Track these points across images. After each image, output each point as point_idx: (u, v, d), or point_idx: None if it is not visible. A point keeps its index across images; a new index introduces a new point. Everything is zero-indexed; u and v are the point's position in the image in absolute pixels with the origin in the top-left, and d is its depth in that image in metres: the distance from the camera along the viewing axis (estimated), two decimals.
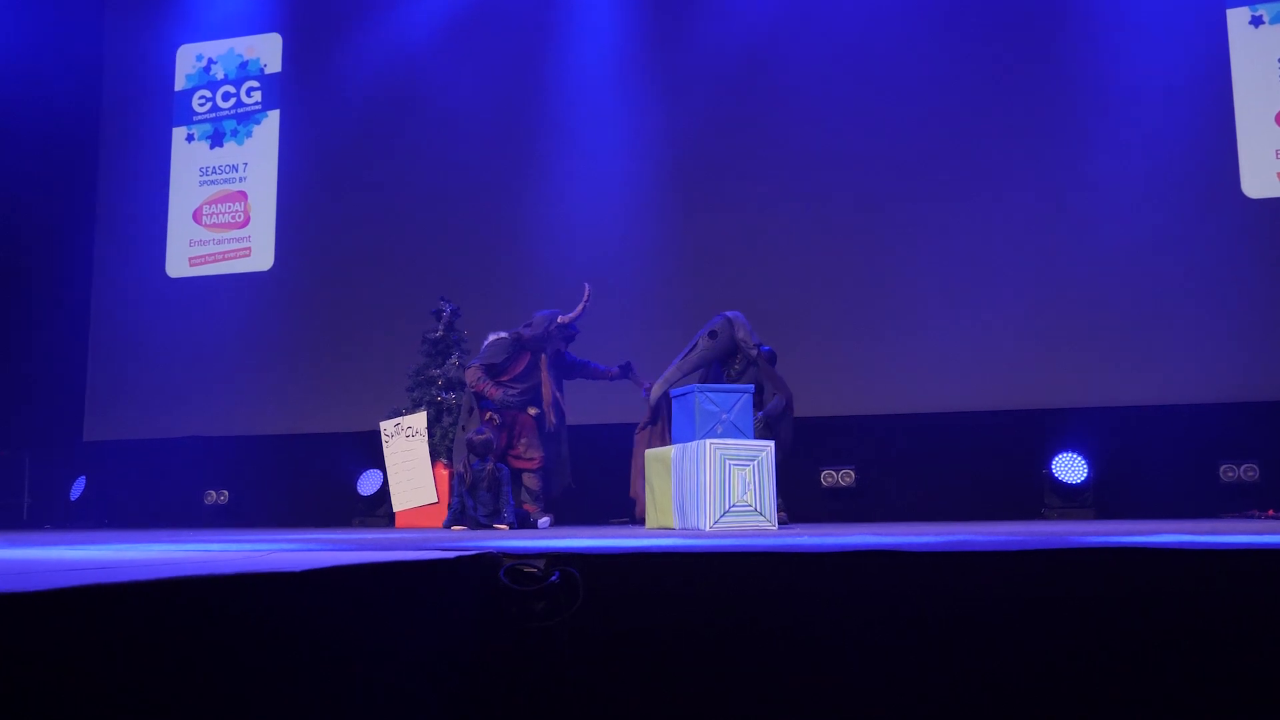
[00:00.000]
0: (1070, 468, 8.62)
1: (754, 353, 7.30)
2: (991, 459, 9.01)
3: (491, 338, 7.79)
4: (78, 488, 10.75)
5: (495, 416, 7.42)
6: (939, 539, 3.16)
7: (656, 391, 7.48)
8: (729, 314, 7.51)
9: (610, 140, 10.28)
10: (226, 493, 10.52)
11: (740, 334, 7.40)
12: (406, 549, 2.63)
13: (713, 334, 7.49)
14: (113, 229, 11.62)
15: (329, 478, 10.18)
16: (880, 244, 9.53)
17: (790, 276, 9.61)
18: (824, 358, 9.40)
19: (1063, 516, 8.40)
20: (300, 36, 11.40)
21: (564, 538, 4.15)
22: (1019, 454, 8.92)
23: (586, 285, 7.86)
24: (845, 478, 9.21)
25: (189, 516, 10.43)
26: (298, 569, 1.98)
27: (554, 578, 2.38)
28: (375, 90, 10.99)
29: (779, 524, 6.29)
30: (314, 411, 10.56)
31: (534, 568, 2.41)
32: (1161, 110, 9.03)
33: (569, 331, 7.85)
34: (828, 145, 9.72)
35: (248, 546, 3.38)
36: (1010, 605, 2.33)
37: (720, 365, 7.56)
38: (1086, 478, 8.56)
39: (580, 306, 7.78)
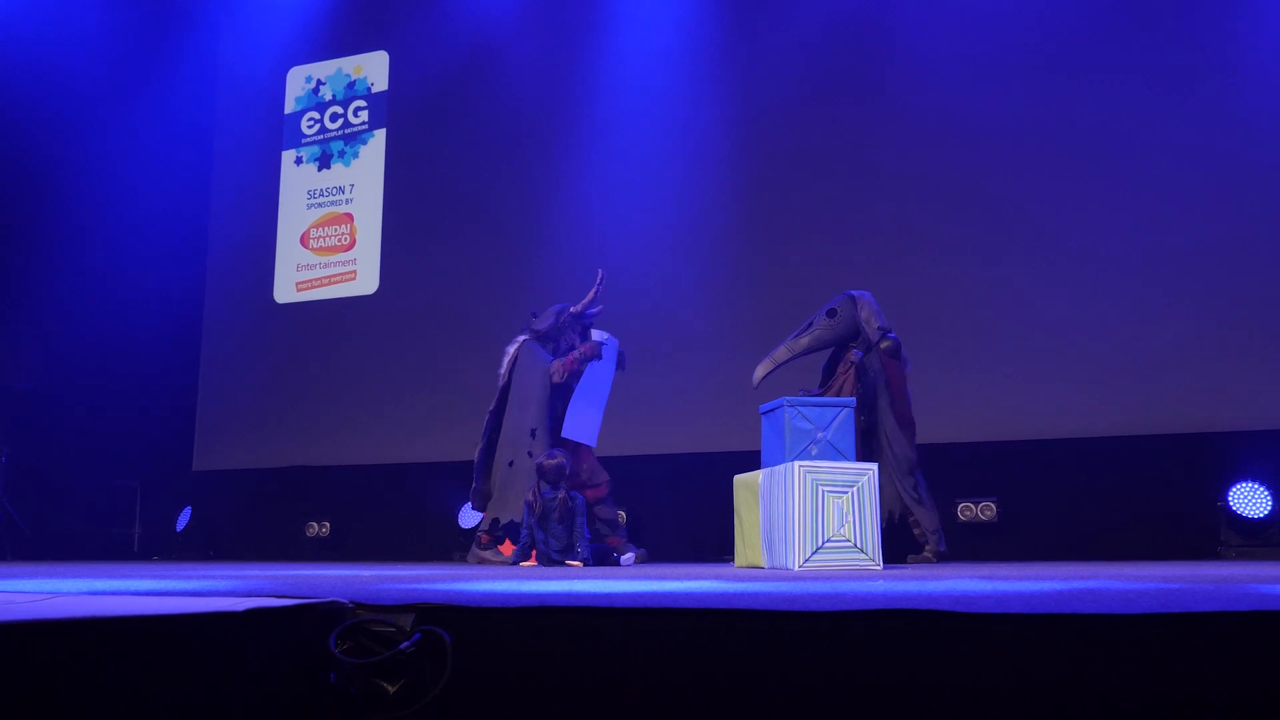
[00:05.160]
0: (1251, 499, 7.40)
1: (875, 338, 6.37)
2: (1158, 489, 7.83)
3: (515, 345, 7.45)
4: (183, 518, 10.51)
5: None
6: (1059, 584, 2.29)
7: (760, 373, 6.65)
8: (854, 292, 6.63)
9: (728, 154, 9.51)
10: (328, 524, 10.09)
11: (864, 314, 6.50)
12: (211, 595, 1.89)
13: (832, 312, 6.61)
14: (223, 256, 11.43)
15: (432, 509, 9.63)
16: (1022, 243, 8.47)
17: (915, 277, 8.59)
18: (958, 373, 8.38)
19: (1243, 556, 7.21)
20: (406, 52, 11.02)
21: (458, 579, 3.36)
22: (1190, 484, 7.73)
23: (600, 270, 7.52)
24: (985, 511, 8.15)
25: (290, 548, 10.08)
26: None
27: (414, 639, 1.62)
28: (480, 104, 10.51)
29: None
30: (417, 440, 10.03)
31: (388, 625, 1.66)
32: None
33: (582, 321, 7.41)
34: (962, 133, 8.71)
35: (40, 586, 2.72)
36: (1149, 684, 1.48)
37: (839, 351, 6.66)
38: (1271, 510, 7.32)
39: (591, 293, 7.41)
